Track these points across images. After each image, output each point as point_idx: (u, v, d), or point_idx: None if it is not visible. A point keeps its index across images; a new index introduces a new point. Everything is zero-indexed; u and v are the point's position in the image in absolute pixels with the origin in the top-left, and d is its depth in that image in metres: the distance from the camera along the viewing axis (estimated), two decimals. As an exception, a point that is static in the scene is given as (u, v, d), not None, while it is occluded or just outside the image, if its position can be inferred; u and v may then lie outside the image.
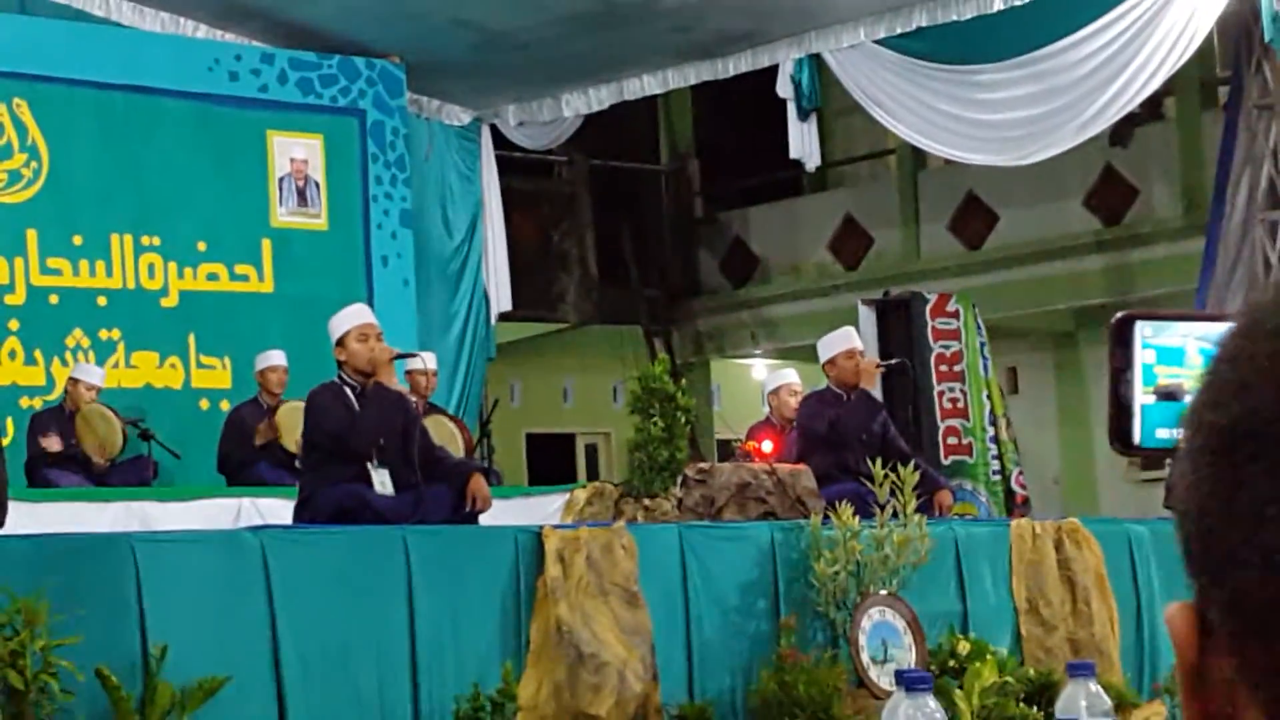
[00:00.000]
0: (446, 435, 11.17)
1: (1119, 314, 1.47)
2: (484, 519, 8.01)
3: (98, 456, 11.39)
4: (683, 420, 8.61)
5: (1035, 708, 7.50)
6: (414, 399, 9.50)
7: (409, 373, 11.51)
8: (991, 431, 13.14)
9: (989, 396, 13.25)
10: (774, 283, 18.66)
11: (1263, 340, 0.91)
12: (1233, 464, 0.91)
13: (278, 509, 9.54)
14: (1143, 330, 1.55)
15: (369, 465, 7.80)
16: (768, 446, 10.40)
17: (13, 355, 12.24)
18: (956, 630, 7.97)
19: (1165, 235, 15.48)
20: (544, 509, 10.51)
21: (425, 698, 6.18)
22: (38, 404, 12.01)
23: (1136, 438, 1.57)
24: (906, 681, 3.55)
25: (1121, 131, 14.84)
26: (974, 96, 12.80)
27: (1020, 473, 13.33)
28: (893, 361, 11.66)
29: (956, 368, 13.16)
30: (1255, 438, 0.90)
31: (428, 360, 12.08)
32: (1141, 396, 1.56)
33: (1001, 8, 12.12)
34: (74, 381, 11.71)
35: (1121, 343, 1.48)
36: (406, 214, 14.23)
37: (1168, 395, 1.55)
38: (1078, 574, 8.65)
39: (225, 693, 5.39)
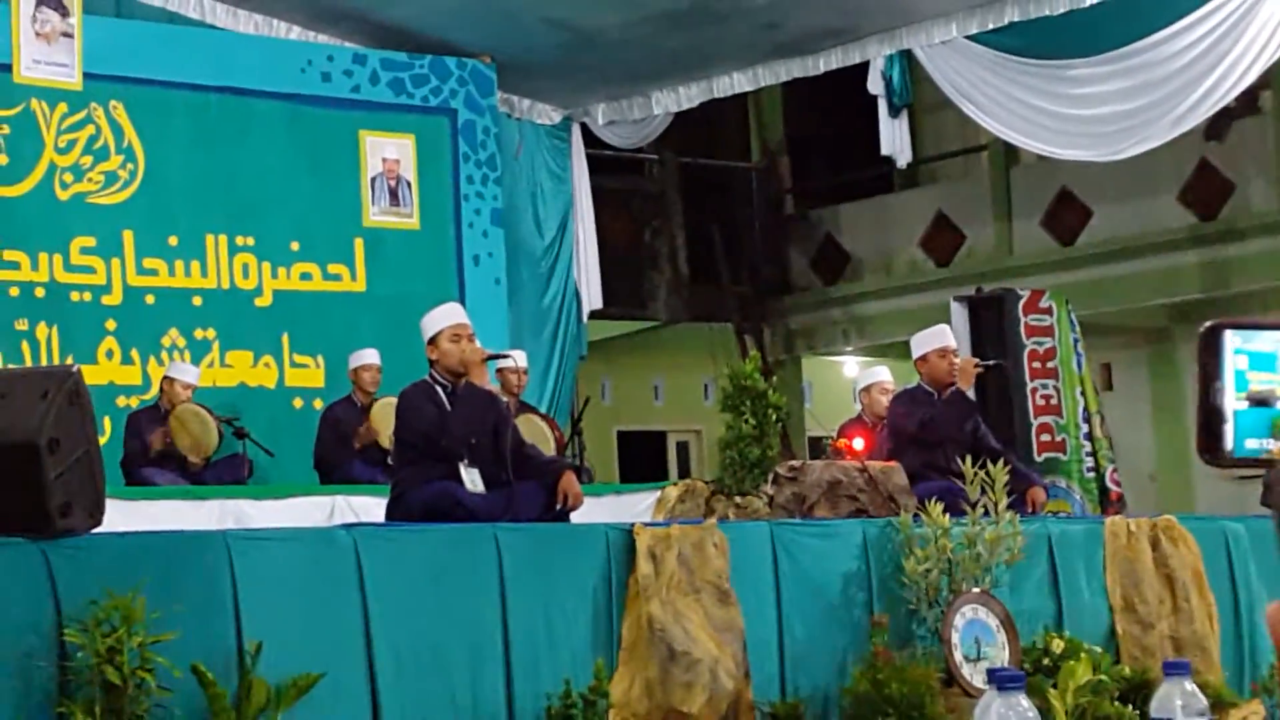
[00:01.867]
0: (538, 433, 11.19)
1: (1207, 323, 1.44)
2: (575, 517, 8.02)
3: (193, 455, 11.48)
4: (774, 418, 8.61)
5: (1130, 706, 7.45)
6: (505, 398, 9.52)
7: (500, 371, 11.53)
8: (1085, 428, 13.02)
9: (1083, 393, 13.13)
10: (865, 280, 18.60)
11: None
12: None
13: (371, 507, 9.60)
14: (1233, 338, 1.53)
15: (460, 464, 7.83)
16: (859, 444, 10.36)
17: (110, 355, 12.37)
18: (1050, 629, 7.93)
19: (1262, 230, 15.31)
20: (635, 507, 10.53)
21: (518, 695, 6.19)
22: (134, 403, 12.14)
23: (1228, 444, 1.55)
24: (998, 680, 3.52)
25: (1217, 125, 14.70)
26: (1067, 91, 12.69)
27: (1115, 470, 13.21)
28: (990, 362, 11.60)
29: (1050, 364, 13.06)
30: None
31: (519, 359, 12.09)
32: (1234, 403, 1.53)
33: (1094, 2, 12.02)
34: (170, 380, 11.82)
35: (1211, 351, 1.46)
36: (498, 213, 14.28)
37: (1260, 401, 1.52)
38: (1175, 571, 8.57)
39: (319, 689, 5.42)
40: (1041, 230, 17.09)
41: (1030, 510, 9.19)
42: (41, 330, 12.09)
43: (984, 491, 7.75)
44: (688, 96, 14.80)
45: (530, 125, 15.14)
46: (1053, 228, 16.98)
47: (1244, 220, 15.57)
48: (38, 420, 4.96)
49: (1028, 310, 13.15)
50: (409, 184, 13.85)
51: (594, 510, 9.10)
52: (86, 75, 12.30)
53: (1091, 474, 12.93)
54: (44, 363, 11.94)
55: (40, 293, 12.14)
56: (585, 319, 15.40)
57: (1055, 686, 7.26)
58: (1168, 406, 17.30)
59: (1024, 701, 3.51)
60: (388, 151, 13.81)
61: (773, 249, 19.26)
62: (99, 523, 5.22)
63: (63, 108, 12.35)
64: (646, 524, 6.89)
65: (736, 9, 12.96)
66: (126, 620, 4.91)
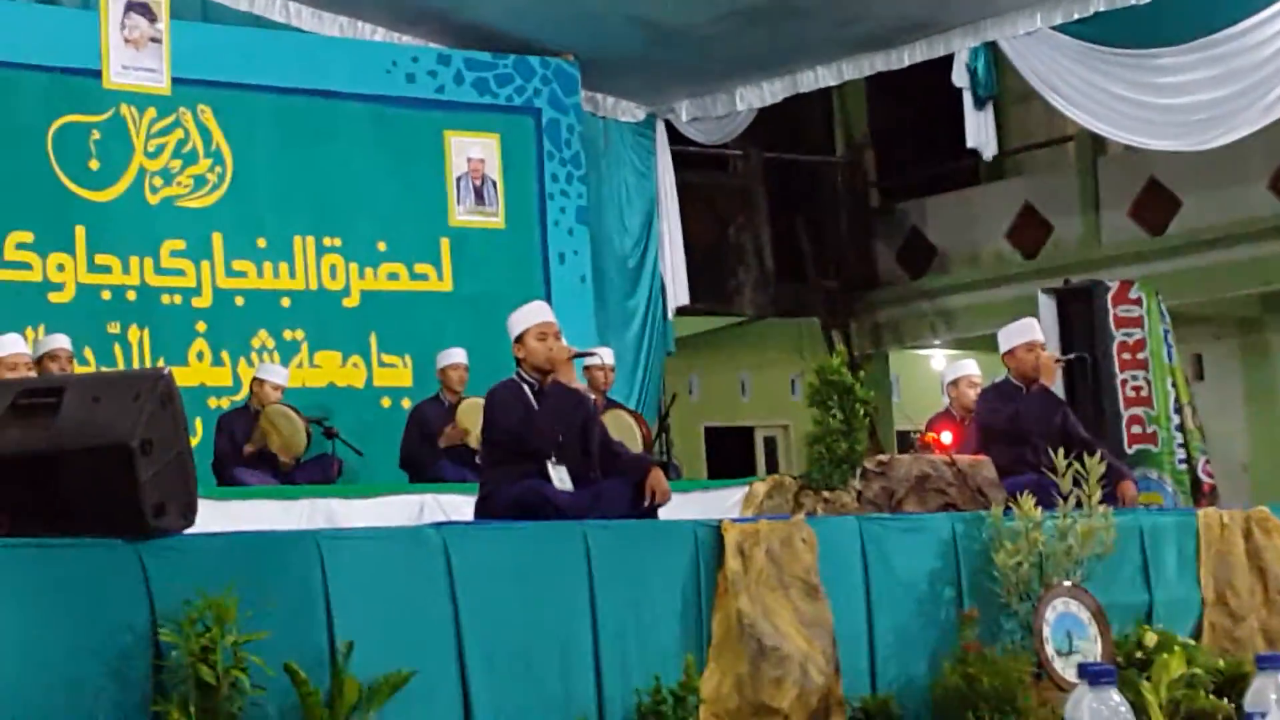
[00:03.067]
0: (625, 430, 11.21)
1: None
2: (663, 513, 8.01)
3: (283, 455, 11.56)
4: (861, 412, 8.56)
5: (1225, 699, 7.38)
6: (592, 395, 9.53)
7: (587, 369, 11.55)
8: (1177, 420, 12.91)
9: (1174, 384, 13.02)
10: (952, 273, 18.51)
11: None
12: None
13: (459, 505, 9.62)
14: None
15: (548, 462, 7.84)
16: (947, 438, 10.34)
17: (200, 356, 12.48)
18: (1142, 621, 7.87)
19: (1354, 217, 15.16)
20: (723, 502, 10.51)
21: (608, 691, 6.19)
22: (224, 404, 12.23)
23: None
24: (1090, 675, 3.48)
25: (1308, 112, 14.52)
26: (1154, 81, 12.58)
27: (1207, 461, 13.09)
28: (1071, 356, 11.52)
29: (1140, 355, 12.96)
30: None
31: (605, 356, 12.14)
32: None
33: (1180, -11, 11.96)
34: (259, 382, 11.90)
35: None
36: (583, 211, 14.30)
37: None
38: (1269, 563, 8.49)
39: (411, 687, 5.44)
40: (1130, 221, 16.95)
41: (1120, 504, 9.12)
42: (133, 333, 12.22)
43: (1077, 484, 7.70)
44: (771, 92, 14.79)
45: (614, 123, 15.16)
46: (1141, 218, 16.84)
47: (1336, 208, 15.41)
48: (130, 422, 5.01)
49: (1117, 301, 13.06)
50: (494, 183, 13.90)
51: (682, 506, 9.09)
52: (175, 80, 12.45)
53: (1183, 465, 12.83)
54: (135, 365, 12.07)
55: (131, 296, 12.27)
56: (671, 315, 15.40)
57: (1148, 680, 7.20)
58: (1260, 396, 17.13)
59: (1116, 696, 3.48)
60: (473, 151, 13.87)
61: (858, 243, 19.19)
62: (192, 523, 5.26)
63: (151, 112, 12.47)
64: (734, 520, 6.89)
65: (819, 3, 12.94)
66: (220, 619, 4.95)
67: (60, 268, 12.06)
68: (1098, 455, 7.90)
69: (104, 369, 11.79)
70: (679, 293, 15.43)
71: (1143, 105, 12.68)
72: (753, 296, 18.27)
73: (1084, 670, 3.51)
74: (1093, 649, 7.38)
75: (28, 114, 12.04)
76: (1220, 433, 15.53)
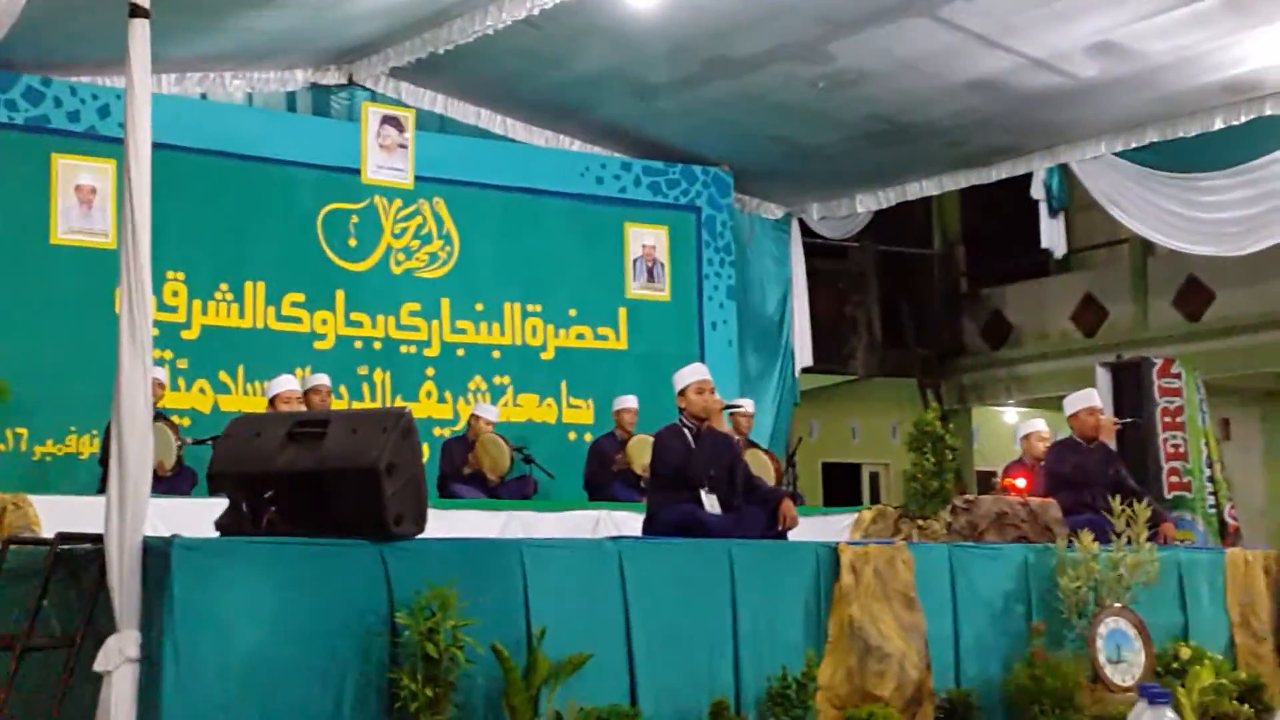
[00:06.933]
0: (761, 466, 11.15)
1: None
2: (791, 534, 7.96)
3: (491, 475, 11.63)
4: (949, 456, 8.47)
5: (1246, 705, 7.18)
6: (736, 437, 9.49)
7: (732, 415, 11.51)
8: (1208, 472, 12.59)
9: (1206, 443, 12.71)
10: (1025, 347, 18.25)
11: None
12: None
13: (628, 520, 9.61)
14: None
15: (701, 491, 7.81)
16: (1021, 483, 10.16)
17: (429, 395, 12.59)
18: (1179, 638, 7.68)
19: (1358, 311, 14.77)
20: (837, 526, 10.41)
21: (744, 676, 6.15)
22: (447, 433, 12.33)
23: None
24: (1149, 695, 3.38)
25: (1322, 225, 14.15)
26: (1196, 199, 12.34)
27: (1232, 506, 12.75)
28: (1128, 420, 11.30)
29: (1179, 419, 12.65)
30: None
31: (747, 406, 12.10)
32: None
33: (1221, 126, 11.70)
34: (475, 417, 11.98)
35: None
36: (732, 289, 14.28)
37: None
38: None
39: (589, 666, 5.44)
40: (1172, 309, 16.62)
41: (1162, 541, 8.92)
42: (378, 375, 12.36)
43: (1128, 524, 7.55)
44: (885, 198, 14.69)
45: (758, 219, 15.13)
46: (1182, 306, 16.51)
47: (1343, 303, 15.02)
48: (379, 450, 5.06)
49: (1160, 375, 12.77)
50: (662, 265, 13.92)
51: (803, 528, 9.00)
52: (417, 178, 12.60)
53: (1213, 509, 12.51)
54: (378, 401, 12.20)
55: (377, 346, 12.42)
56: (798, 374, 15.31)
57: (1183, 686, 7.03)
58: (1277, 454, 16.71)
59: (1170, 714, 3.38)
60: (646, 239, 13.90)
61: (949, 320, 18.98)
62: (423, 529, 5.30)
63: (398, 203, 12.64)
64: (849, 543, 6.83)
65: (927, 131, 12.84)
66: (443, 607, 4.98)
67: (324, 322, 12.24)
68: (1145, 502, 7.75)
69: (355, 403, 11.94)
70: (804, 355, 15.32)
71: (1186, 218, 12.44)
72: (863, 360, 18.12)
73: (1144, 691, 3.41)
74: (1137, 659, 7.22)
75: (303, 202, 12.25)
76: (1243, 483, 15.16)
